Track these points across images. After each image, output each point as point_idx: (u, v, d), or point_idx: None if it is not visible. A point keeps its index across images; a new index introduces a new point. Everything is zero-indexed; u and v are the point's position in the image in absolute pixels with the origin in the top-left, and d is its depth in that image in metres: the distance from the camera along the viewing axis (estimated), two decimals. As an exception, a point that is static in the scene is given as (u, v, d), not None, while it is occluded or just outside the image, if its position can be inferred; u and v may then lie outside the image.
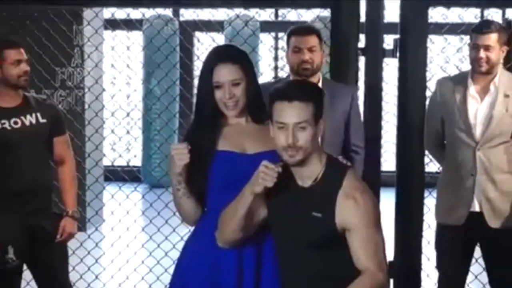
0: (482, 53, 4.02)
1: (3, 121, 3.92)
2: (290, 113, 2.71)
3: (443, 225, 4.17)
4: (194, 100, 3.06)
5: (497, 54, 4.04)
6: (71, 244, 4.33)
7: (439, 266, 4.25)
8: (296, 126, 2.71)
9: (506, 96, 4.04)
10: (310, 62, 4.01)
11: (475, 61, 4.05)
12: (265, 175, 2.71)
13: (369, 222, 2.72)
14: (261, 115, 2.94)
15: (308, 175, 2.78)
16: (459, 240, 4.10)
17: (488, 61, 4.03)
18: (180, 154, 2.87)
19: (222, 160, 2.94)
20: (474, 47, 4.06)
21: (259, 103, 2.97)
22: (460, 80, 4.14)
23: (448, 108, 4.13)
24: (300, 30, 4.16)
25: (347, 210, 2.72)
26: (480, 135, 4.05)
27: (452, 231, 4.11)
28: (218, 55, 2.99)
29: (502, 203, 4.03)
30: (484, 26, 4.10)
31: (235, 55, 2.98)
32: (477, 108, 4.08)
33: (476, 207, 4.06)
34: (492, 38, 4.03)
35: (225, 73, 2.92)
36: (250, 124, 3.00)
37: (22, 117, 3.96)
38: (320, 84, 4.05)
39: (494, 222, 4.03)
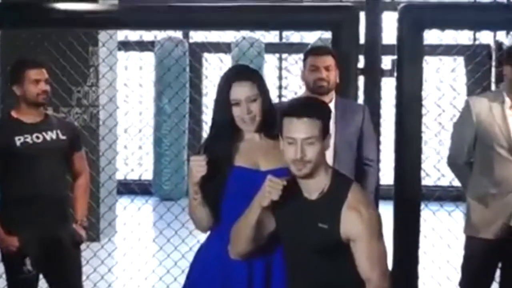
0: None
1: (25, 135, 3.94)
2: (299, 129, 2.72)
3: (476, 238, 4.01)
4: (209, 115, 3.07)
5: None
6: (86, 254, 4.32)
7: (468, 278, 4.06)
8: (305, 141, 2.71)
9: None
10: (327, 80, 4.00)
11: None
12: (271, 189, 2.71)
13: (372, 234, 2.71)
14: (274, 131, 2.93)
15: (315, 188, 2.78)
16: (493, 252, 3.97)
17: None
18: (199, 166, 2.87)
19: (237, 175, 2.93)
20: None
21: (273, 119, 2.96)
22: (494, 98, 4.01)
23: (484, 125, 3.99)
24: (317, 50, 4.14)
25: (352, 222, 2.71)
26: None
27: (486, 244, 3.97)
28: (236, 74, 3.00)
29: None
30: None
31: (251, 74, 3.00)
32: None
33: None
34: None
35: (242, 91, 2.93)
36: (264, 140, 2.99)
37: (44, 133, 3.98)
38: (333, 102, 4.04)
39: None
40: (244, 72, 3.01)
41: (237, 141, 2.99)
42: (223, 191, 2.93)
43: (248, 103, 2.93)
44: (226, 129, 2.96)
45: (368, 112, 4.18)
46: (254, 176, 2.90)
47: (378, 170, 4.26)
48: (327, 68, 4.00)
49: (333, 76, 4.02)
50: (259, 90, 2.95)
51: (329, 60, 4.02)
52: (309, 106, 2.77)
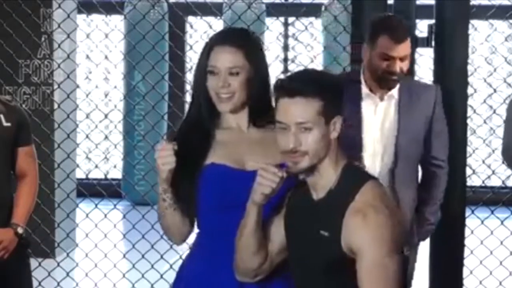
0: None
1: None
2: (291, 111, 2.69)
3: None
4: (189, 96, 3.06)
5: None
6: (37, 274, 4.33)
7: None
8: (299, 127, 2.70)
9: None
10: (400, 74, 3.95)
11: None
12: (262, 179, 2.71)
13: (379, 245, 2.63)
14: (265, 118, 2.93)
15: (321, 185, 2.77)
16: None
17: None
18: (166, 157, 2.87)
19: (214, 175, 2.93)
20: None
21: (265, 103, 2.95)
22: None
23: None
24: (396, 32, 3.97)
25: (354, 228, 2.66)
26: None
27: None
28: (219, 35, 3.00)
29: None
30: None
31: (240, 37, 2.97)
32: None
33: None
34: None
35: (223, 58, 2.91)
36: (254, 130, 2.97)
37: (-21, 119, 3.98)
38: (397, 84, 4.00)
39: None
40: (231, 34, 3.01)
41: (218, 129, 2.99)
42: (197, 193, 2.94)
43: (227, 75, 2.90)
44: (204, 109, 2.95)
45: (441, 97, 4.09)
46: (236, 176, 2.89)
47: (447, 172, 4.17)
48: (402, 59, 3.94)
49: (406, 65, 3.96)
50: (248, 61, 2.92)
51: (407, 48, 3.96)
52: (305, 81, 2.72)
